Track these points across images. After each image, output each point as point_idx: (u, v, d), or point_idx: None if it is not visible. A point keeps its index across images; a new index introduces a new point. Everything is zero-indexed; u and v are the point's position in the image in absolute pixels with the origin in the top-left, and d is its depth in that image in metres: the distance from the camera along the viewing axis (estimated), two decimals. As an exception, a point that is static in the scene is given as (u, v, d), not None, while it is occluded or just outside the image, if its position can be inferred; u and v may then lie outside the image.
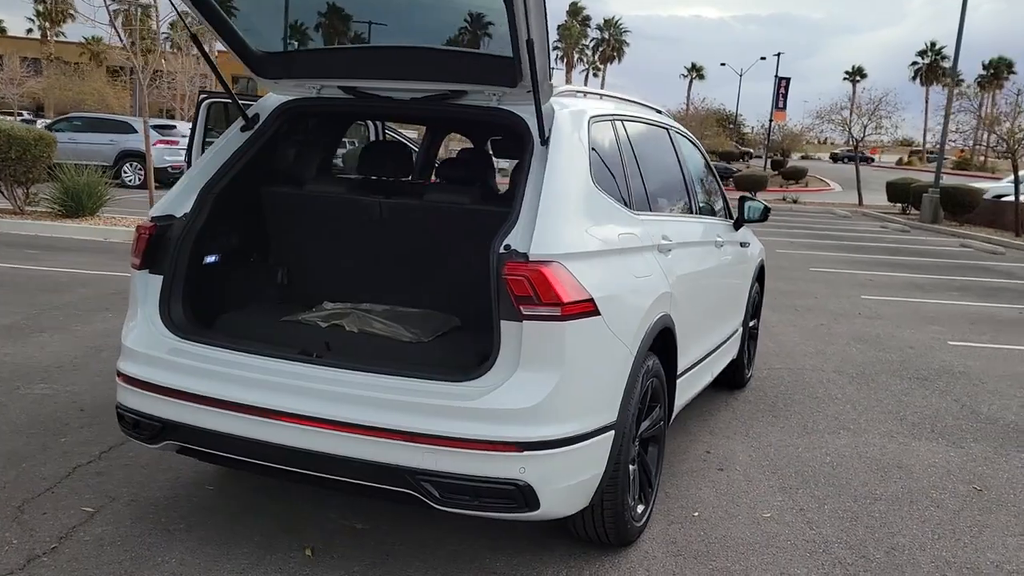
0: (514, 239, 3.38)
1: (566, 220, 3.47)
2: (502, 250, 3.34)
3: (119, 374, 3.88)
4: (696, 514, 4.55)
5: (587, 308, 3.36)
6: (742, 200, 6.36)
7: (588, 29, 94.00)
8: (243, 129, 4.19)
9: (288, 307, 4.36)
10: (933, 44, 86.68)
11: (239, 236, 4.37)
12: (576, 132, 3.81)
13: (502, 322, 3.29)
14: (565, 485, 3.39)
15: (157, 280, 3.92)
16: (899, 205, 31.50)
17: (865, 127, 35.65)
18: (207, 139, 5.59)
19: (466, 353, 3.66)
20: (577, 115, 3.91)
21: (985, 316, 11.14)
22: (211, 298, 4.15)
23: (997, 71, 69.20)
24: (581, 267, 3.41)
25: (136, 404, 3.77)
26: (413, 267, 4.21)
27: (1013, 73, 68.74)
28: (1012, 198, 24.11)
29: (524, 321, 3.26)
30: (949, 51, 48.91)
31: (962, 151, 56.29)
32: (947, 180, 29.26)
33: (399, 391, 3.36)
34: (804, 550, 4.20)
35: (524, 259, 3.29)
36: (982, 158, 59.96)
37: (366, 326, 3.93)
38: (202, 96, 5.83)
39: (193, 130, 5.83)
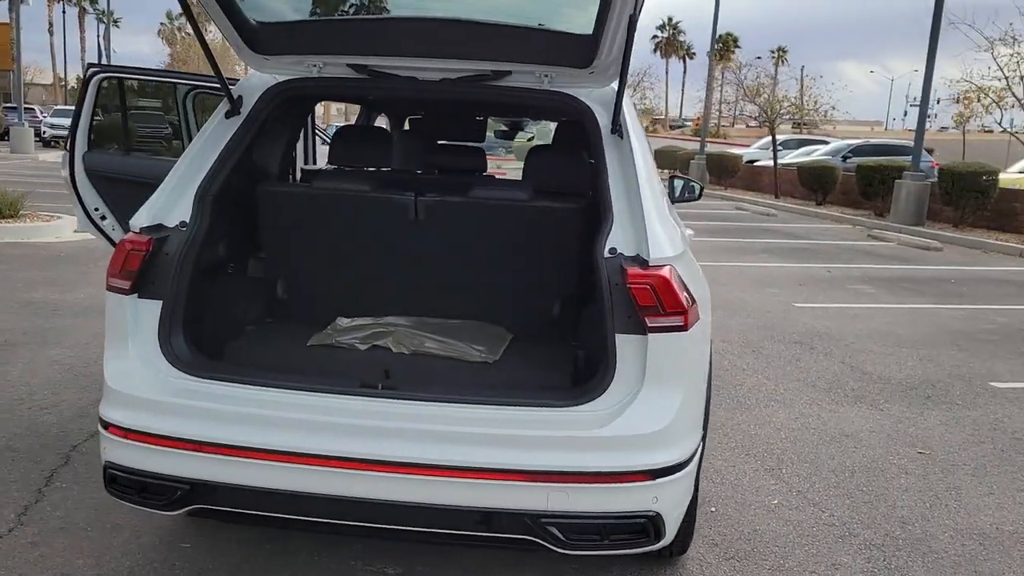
0: (619, 242, 3.05)
1: (664, 219, 3.18)
2: (608, 254, 3.00)
3: (109, 426, 3.12)
4: (713, 509, 4.46)
5: (696, 315, 3.11)
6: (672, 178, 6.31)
7: None
8: (228, 115, 3.47)
9: (295, 327, 3.72)
10: (671, 19, 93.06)
11: (233, 246, 3.65)
12: (638, 121, 3.51)
13: (619, 336, 2.96)
14: (681, 509, 3.15)
15: (153, 307, 3.18)
16: (666, 171, 33.13)
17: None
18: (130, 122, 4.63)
19: (550, 371, 3.28)
20: (628, 103, 3.60)
21: (805, 276, 12.04)
22: (208, 323, 3.43)
23: (726, 44, 75.70)
24: (683, 271, 3.15)
25: (143, 463, 3.04)
26: (449, 273, 3.71)
27: (738, 47, 75.52)
28: (765, 163, 26.34)
29: (650, 334, 2.94)
30: (684, 25, 52.08)
31: (697, 119, 60.79)
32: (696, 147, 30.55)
33: (508, 423, 2.94)
34: (833, 536, 4.25)
35: (644, 265, 2.97)
36: (714, 124, 65.67)
37: (417, 346, 3.42)
38: (91, 70, 4.82)
39: (79, 108, 4.82)
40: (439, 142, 5.66)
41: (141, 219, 3.24)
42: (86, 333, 7.12)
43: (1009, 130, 17.91)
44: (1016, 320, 9.54)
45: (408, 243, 3.65)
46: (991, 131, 23.94)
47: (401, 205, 3.59)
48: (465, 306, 3.74)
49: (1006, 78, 16.67)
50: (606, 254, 3.06)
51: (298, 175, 4.65)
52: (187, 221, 3.28)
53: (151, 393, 3.11)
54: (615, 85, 3.44)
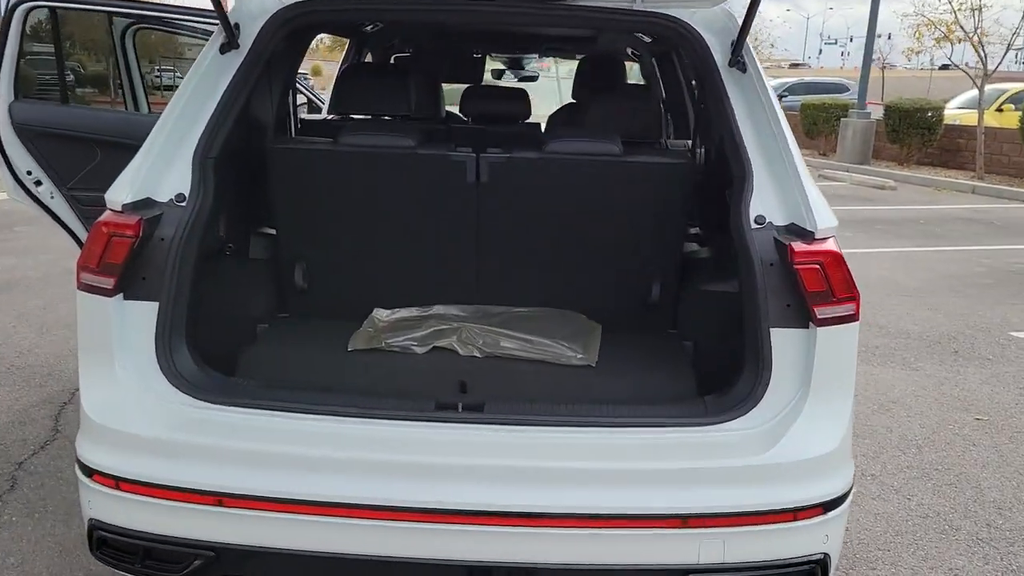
0: (766, 209, 2.35)
1: (810, 177, 2.49)
2: (755, 224, 2.31)
3: (93, 473, 2.32)
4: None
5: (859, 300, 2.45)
6: None
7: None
8: (224, 50, 2.60)
9: (321, 324, 2.92)
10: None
11: (233, 221, 2.82)
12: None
13: (775, 331, 2.28)
14: (840, 545, 2.52)
15: (146, 311, 2.35)
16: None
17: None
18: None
19: (669, 375, 2.60)
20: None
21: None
22: (213, 325, 2.62)
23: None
24: (835, 244, 2.47)
25: (145, 522, 2.26)
26: (517, 249, 2.95)
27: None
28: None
29: (819, 328, 2.27)
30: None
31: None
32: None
33: (637, 452, 2.27)
34: (934, 531, 3.78)
35: (810, 238, 2.29)
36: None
37: (492, 346, 2.67)
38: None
39: (2, 47, 3.82)
40: (473, 84, 4.80)
41: (122, 193, 2.38)
42: (8, 315, 6.11)
43: (961, 65, 17.71)
44: (1001, 262, 9.26)
45: (465, 212, 2.86)
46: (947, 67, 23.45)
47: (457, 164, 2.80)
48: (536, 290, 3.00)
49: (955, 12, 16.39)
50: (753, 224, 2.36)
51: (296, 126, 3.78)
52: (185, 194, 2.44)
53: (151, 428, 2.30)
54: (726, 5, 2.69)
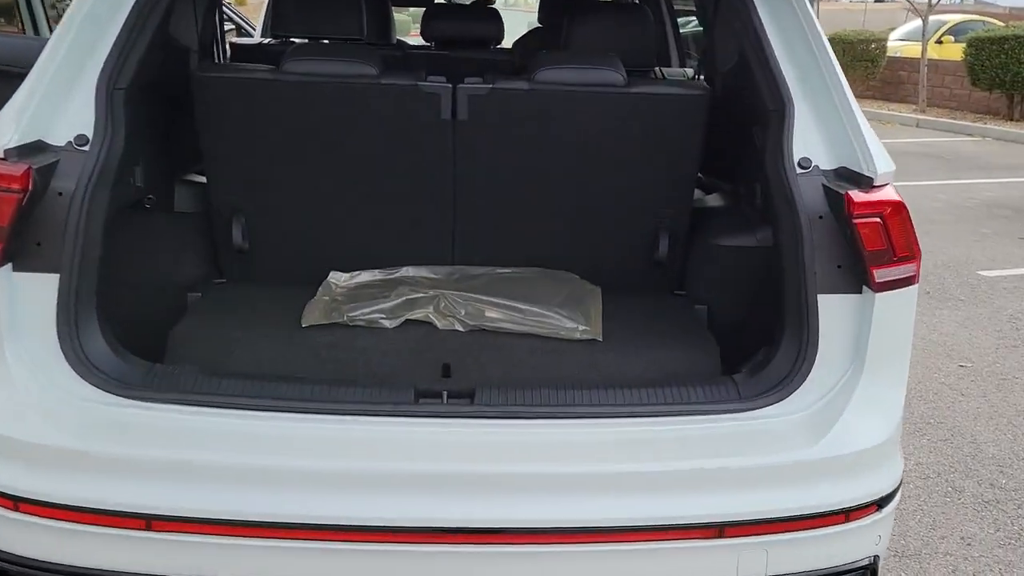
0: (811, 149, 1.97)
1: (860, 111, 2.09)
2: (799, 168, 1.94)
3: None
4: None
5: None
6: None
7: None
8: None
9: (265, 291, 2.44)
10: None
11: (152, 168, 2.31)
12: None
13: (824, 297, 1.91)
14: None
15: (44, 284, 1.86)
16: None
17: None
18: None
19: (686, 348, 2.21)
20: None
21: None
22: (131, 297, 2.13)
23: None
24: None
25: (58, 552, 1.83)
26: (501, 199, 2.49)
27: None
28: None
29: (878, 292, 1.90)
30: None
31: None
32: None
33: (663, 448, 1.88)
34: (939, 495, 3.54)
35: (868, 186, 1.91)
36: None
37: (476, 317, 2.22)
38: None
39: None
40: (429, 4, 4.23)
41: (3, 134, 1.84)
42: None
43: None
44: (957, 197, 9.13)
45: (439, 155, 2.39)
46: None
47: (430, 98, 2.31)
48: (523, 248, 2.55)
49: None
50: (797, 168, 1.96)
51: (226, 52, 3.20)
52: (88, 135, 1.92)
53: (56, 434, 1.83)
54: None
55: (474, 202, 2.47)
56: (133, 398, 1.87)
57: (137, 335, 2.16)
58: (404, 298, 2.27)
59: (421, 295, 2.28)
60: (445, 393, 1.96)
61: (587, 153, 2.41)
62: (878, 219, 1.89)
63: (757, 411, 1.93)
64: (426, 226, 2.51)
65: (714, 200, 2.72)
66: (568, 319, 2.23)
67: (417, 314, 2.24)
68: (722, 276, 2.48)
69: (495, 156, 2.43)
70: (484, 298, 2.28)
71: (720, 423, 1.93)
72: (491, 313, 2.25)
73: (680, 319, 2.38)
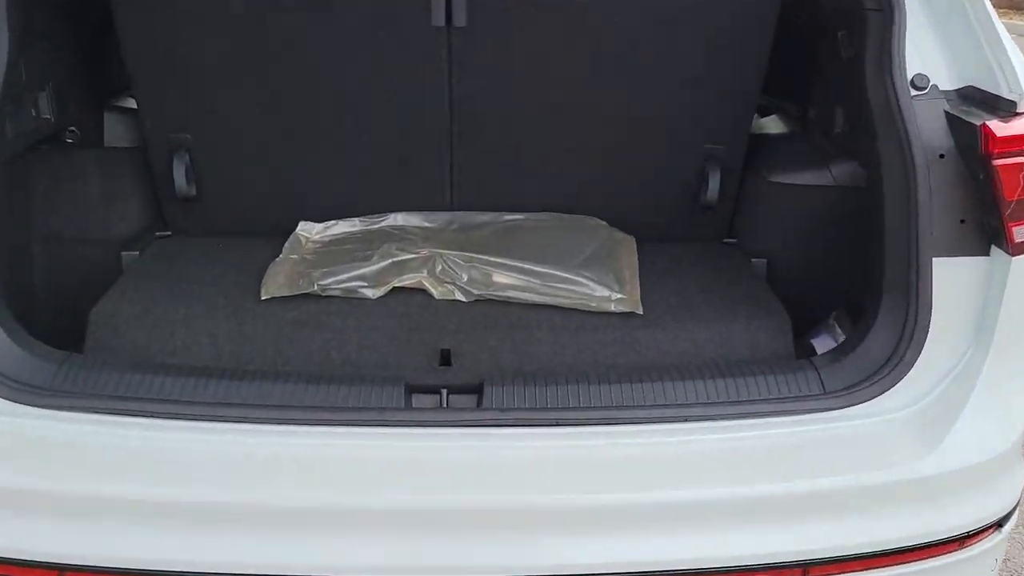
0: (927, 63, 1.49)
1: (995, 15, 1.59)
2: (914, 89, 1.46)
3: None
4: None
5: None
6: None
7: None
8: None
9: (216, 250, 1.97)
10: None
11: (68, 92, 1.83)
12: None
13: (939, 261, 1.45)
14: None
15: None
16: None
17: None
18: None
19: (749, 320, 1.75)
20: None
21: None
22: (43, 264, 1.69)
23: None
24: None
25: None
26: (508, 127, 1.98)
27: None
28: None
29: (1016, 256, 1.46)
30: None
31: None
32: None
33: (737, 461, 1.45)
34: None
35: (1008, 113, 1.42)
36: None
37: (482, 285, 1.75)
38: None
39: None
40: None
41: None
42: None
43: None
44: None
45: (430, 72, 1.87)
46: None
47: (420, 3, 1.78)
48: (537, 189, 2.05)
49: None
50: (911, 90, 1.48)
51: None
52: None
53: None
54: None
55: (476, 131, 1.96)
56: (38, 406, 1.42)
57: (53, 311, 1.71)
58: (390, 260, 1.78)
59: (412, 256, 1.80)
60: (445, 392, 1.52)
61: (620, 67, 1.89)
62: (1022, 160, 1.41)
63: (848, 409, 1.49)
64: (416, 162, 2.01)
65: (774, 125, 2.21)
66: (598, 284, 1.75)
67: (407, 280, 1.76)
68: (786, 223, 2.00)
69: (502, 73, 1.91)
70: (492, 259, 1.79)
71: (802, 427, 1.48)
72: (500, 278, 1.77)
73: (737, 279, 1.90)
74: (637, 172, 2.03)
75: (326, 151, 1.99)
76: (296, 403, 1.45)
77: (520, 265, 1.79)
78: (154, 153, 1.98)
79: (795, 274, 2.00)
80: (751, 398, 1.50)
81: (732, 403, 1.49)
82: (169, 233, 2.07)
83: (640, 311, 1.71)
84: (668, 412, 1.47)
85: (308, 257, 1.88)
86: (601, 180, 2.04)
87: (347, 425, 1.43)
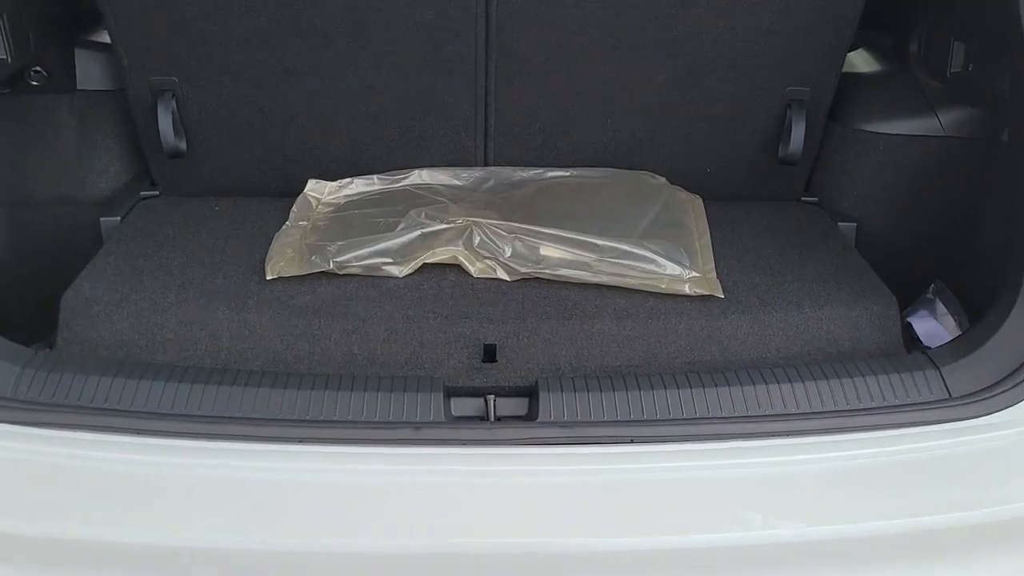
0: None
1: None
2: None
3: None
4: None
5: None
6: None
7: None
8: None
9: (218, 215, 1.69)
10: None
11: (45, 29, 1.54)
12: None
13: None
14: None
15: None
16: None
17: None
18: None
19: (851, 298, 1.47)
20: None
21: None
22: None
23: None
24: None
25: None
26: (549, 67, 1.67)
27: None
28: None
29: None
30: None
31: None
32: None
33: (866, 484, 1.21)
34: None
35: None
36: None
37: (527, 259, 1.47)
38: None
39: None
40: None
41: None
42: None
43: None
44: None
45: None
46: None
47: None
48: (587, 139, 1.74)
49: None
50: None
51: None
52: None
53: None
54: None
55: (516, 71, 1.65)
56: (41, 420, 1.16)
57: (19, 293, 1.43)
58: (419, 231, 1.50)
59: (444, 227, 1.51)
60: (492, 398, 1.25)
61: None
62: None
63: (983, 419, 1.22)
64: (443, 104, 1.70)
65: (863, 62, 1.89)
66: (666, 258, 1.47)
67: (441, 255, 1.48)
68: (880, 179, 1.70)
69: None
70: (538, 229, 1.50)
71: (927, 441, 1.22)
72: (549, 252, 1.49)
73: (826, 248, 1.61)
74: (706, 118, 1.72)
75: (338, 92, 1.67)
76: (314, 416, 1.19)
77: (572, 237, 1.51)
78: (135, 100, 1.68)
79: (888, 239, 1.72)
80: (864, 407, 1.23)
81: (842, 413, 1.22)
82: (156, 192, 1.78)
83: (720, 294, 1.43)
84: (770, 426, 1.20)
85: (320, 224, 1.60)
86: (662, 127, 1.73)
87: (372, 444, 1.18)
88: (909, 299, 1.62)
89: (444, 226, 1.51)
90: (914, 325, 1.61)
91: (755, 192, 1.81)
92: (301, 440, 1.17)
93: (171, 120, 1.65)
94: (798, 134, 1.68)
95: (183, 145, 1.69)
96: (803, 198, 1.82)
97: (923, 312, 1.66)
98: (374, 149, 1.74)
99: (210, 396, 1.20)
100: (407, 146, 1.74)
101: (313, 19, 1.60)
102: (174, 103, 1.66)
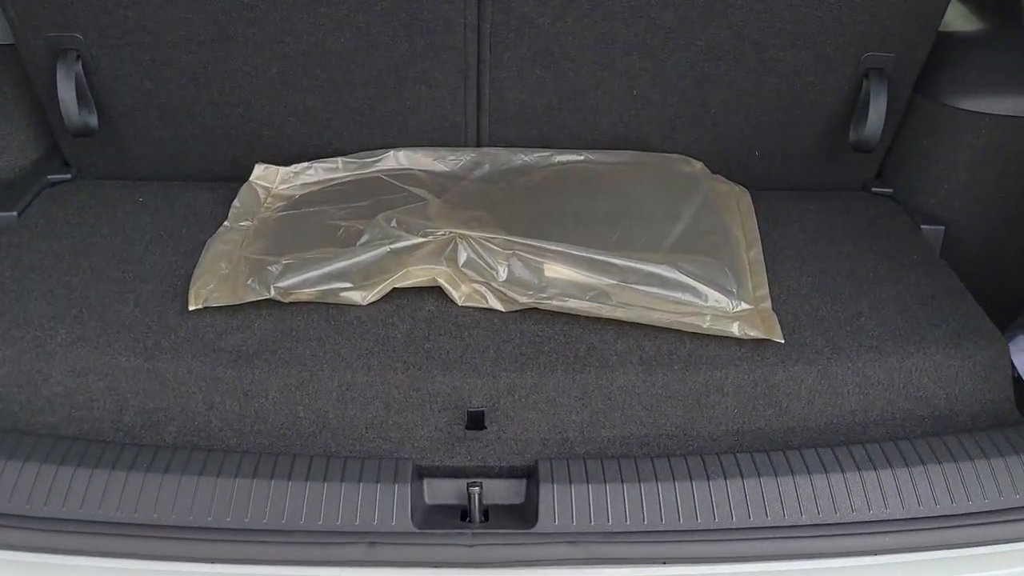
0: None
1: None
2: None
3: None
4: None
5: None
6: None
7: None
8: None
9: (137, 212, 1.34)
10: None
11: None
12: None
13: None
14: None
15: None
16: None
17: None
18: None
19: (941, 348, 1.12)
20: None
21: None
22: None
23: None
24: None
25: None
26: (558, 24, 1.30)
27: None
28: None
29: None
30: None
31: None
32: None
33: None
34: None
35: None
36: None
37: (528, 284, 1.13)
38: None
39: None
40: None
41: None
42: None
43: None
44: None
45: None
46: None
47: None
48: (607, 115, 1.38)
49: None
50: None
51: None
52: None
53: None
54: None
55: (515, 32, 1.29)
56: None
57: None
58: (387, 246, 1.16)
59: (420, 240, 1.17)
60: (477, 491, 0.93)
61: None
62: None
63: None
64: (424, 75, 1.34)
65: (960, 17, 1.49)
66: (707, 282, 1.13)
67: (415, 277, 1.15)
68: (977, 172, 1.35)
69: None
70: (543, 245, 1.16)
71: None
72: (556, 272, 1.15)
73: (910, 262, 1.27)
74: (755, 92, 1.36)
75: (289, 57, 1.32)
76: (235, 523, 0.88)
77: (586, 256, 1.16)
78: (31, 62, 1.32)
79: (984, 249, 1.37)
80: (984, 507, 0.92)
81: (956, 520, 0.91)
82: (69, 176, 1.43)
83: (779, 337, 1.10)
84: (856, 541, 0.89)
85: (266, 227, 1.26)
86: (699, 102, 1.37)
87: (318, 566, 0.87)
88: (1004, 325, 1.29)
89: (421, 239, 1.17)
90: (1013, 355, 1.28)
91: (813, 179, 1.46)
92: (214, 560, 0.86)
93: (73, 87, 1.29)
94: (877, 112, 1.32)
95: (92, 120, 1.33)
96: (874, 188, 1.47)
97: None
98: (337, 126, 1.39)
99: (96, 489, 0.89)
100: (379, 122, 1.39)
101: None
102: (79, 66, 1.30)
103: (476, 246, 1.17)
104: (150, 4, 1.25)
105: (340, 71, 1.33)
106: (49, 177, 1.42)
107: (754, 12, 1.27)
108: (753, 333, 1.09)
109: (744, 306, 1.13)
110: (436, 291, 1.17)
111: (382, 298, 1.15)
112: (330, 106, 1.36)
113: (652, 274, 1.15)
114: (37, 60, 1.31)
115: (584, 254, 1.16)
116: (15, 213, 1.32)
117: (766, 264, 1.24)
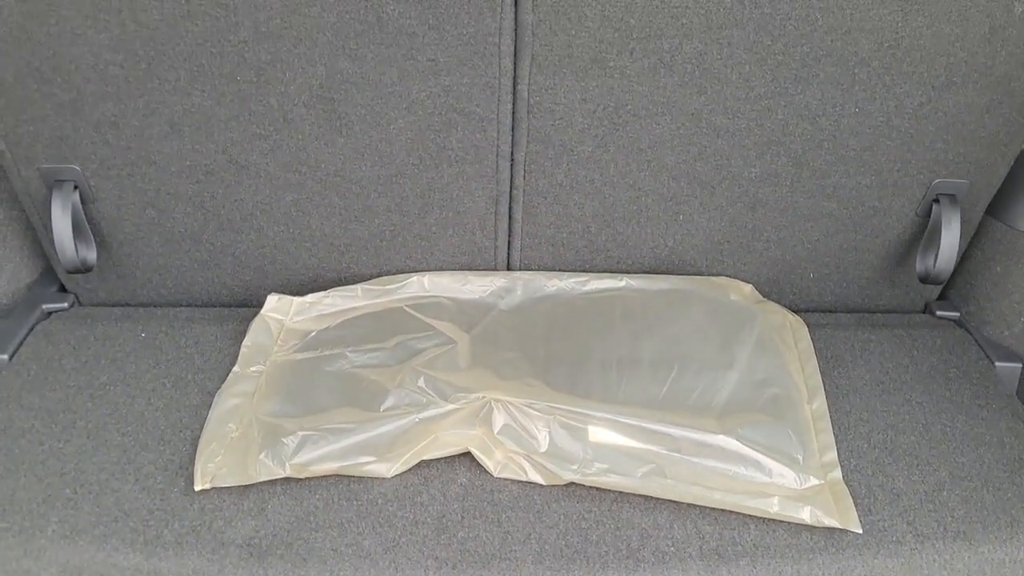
0: None
1: None
2: None
3: None
4: None
5: None
6: None
7: None
8: None
9: (140, 353, 1.23)
10: None
11: None
12: None
13: None
14: None
15: None
16: None
17: None
18: None
19: None
20: None
21: None
22: None
23: None
24: None
25: None
26: (588, 135, 1.19)
27: None
28: None
29: None
30: None
31: None
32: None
33: None
34: None
35: None
36: None
37: (574, 456, 1.02)
38: None
39: None
40: None
41: None
42: None
43: None
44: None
45: (481, 42, 1.08)
46: None
47: None
48: (648, 239, 1.27)
49: None
50: None
51: None
52: None
53: None
54: None
55: (551, 160, 1.18)
56: None
57: None
58: (415, 415, 1.04)
59: (452, 408, 1.06)
60: None
61: (810, 55, 1.09)
62: None
63: None
64: (451, 201, 1.23)
65: None
66: (768, 452, 1.02)
67: (446, 447, 1.04)
68: None
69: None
70: (590, 414, 1.05)
71: None
72: (602, 439, 1.04)
73: (986, 410, 1.16)
74: (813, 217, 1.24)
75: (304, 186, 1.20)
76: None
77: (634, 423, 1.05)
78: (23, 191, 1.21)
79: None
80: None
81: None
82: (66, 305, 1.32)
83: (857, 527, 0.98)
84: None
85: (280, 373, 1.15)
86: (751, 229, 1.26)
87: None
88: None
89: (451, 407, 1.06)
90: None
91: (872, 301, 1.34)
92: None
93: (70, 221, 1.18)
94: (950, 244, 1.20)
95: (91, 256, 1.22)
96: (938, 312, 1.35)
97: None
98: (356, 251, 1.28)
99: None
100: (401, 247, 1.27)
101: (268, 99, 1.12)
102: (76, 196, 1.19)
103: (514, 411, 1.05)
104: (154, 135, 1.14)
105: (360, 199, 1.21)
106: (44, 307, 1.31)
107: (816, 140, 1.15)
108: (828, 521, 0.97)
109: (813, 481, 1.02)
110: (468, 457, 1.06)
111: (408, 468, 1.04)
112: (349, 232, 1.25)
113: (709, 445, 1.04)
114: (31, 190, 1.20)
115: (633, 422, 1.05)
116: (6, 356, 1.21)
117: (830, 416, 1.12)
